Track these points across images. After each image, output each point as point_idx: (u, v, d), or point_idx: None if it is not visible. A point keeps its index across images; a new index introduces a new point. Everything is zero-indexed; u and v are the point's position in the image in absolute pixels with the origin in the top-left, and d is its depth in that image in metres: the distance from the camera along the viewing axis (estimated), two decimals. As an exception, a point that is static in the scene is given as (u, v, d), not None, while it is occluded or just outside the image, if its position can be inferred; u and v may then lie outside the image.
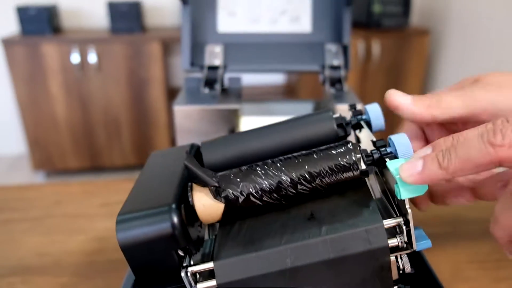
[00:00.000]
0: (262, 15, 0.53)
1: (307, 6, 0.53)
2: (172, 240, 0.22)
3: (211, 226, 0.30)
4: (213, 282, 0.23)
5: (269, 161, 0.26)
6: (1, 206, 0.55)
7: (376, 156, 0.25)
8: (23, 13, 1.73)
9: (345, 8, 0.52)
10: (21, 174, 2.02)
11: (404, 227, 0.23)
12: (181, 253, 0.23)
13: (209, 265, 0.23)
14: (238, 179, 0.25)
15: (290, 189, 0.25)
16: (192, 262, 0.24)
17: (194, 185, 0.25)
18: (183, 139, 0.46)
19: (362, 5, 1.88)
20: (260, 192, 0.25)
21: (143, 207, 0.23)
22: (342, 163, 0.25)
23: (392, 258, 0.23)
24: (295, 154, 0.26)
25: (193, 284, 0.23)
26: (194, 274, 0.23)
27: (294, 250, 0.22)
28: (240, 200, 0.25)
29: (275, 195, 0.25)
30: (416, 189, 0.22)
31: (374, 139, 0.27)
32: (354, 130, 0.32)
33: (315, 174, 0.25)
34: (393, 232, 0.23)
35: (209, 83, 0.50)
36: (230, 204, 0.25)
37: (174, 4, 2.05)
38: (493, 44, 1.63)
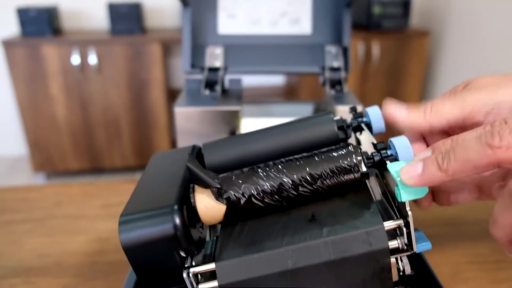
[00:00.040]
0: (262, 17, 0.53)
1: (307, 8, 0.53)
2: (174, 241, 0.22)
3: (212, 227, 0.31)
4: (214, 283, 0.23)
5: (271, 163, 0.26)
6: (2, 207, 0.55)
7: (376, 158, 0.25)
8: (23, 14, 1.73)
9: (345, 10, 0.52)
10: (21, 176, 2.02)
11: (404, 229, 0.23)
12: (183, 254, 0.23)
13: (211, 266, 0.23)
14: (240, 181, 0.25)
15: (291, 191, 0.25)
16: (194, 263, 0.24)
17: (196, 187, 0.26)
18: (184, 141, 0.46)
19: (362, 6, 1.89)
20: (261, 194, 0.25)
21: (146, 208, 0.23)
22: (343, 165, 0.25)
23: (393, 259, 0.23)
24: (296, 156, 0.26)
25: (194, 285, 0.23)
26: (195, 275, 0.23)
27: (295, 251, 0.22)
28: (242, 201, 0.25)
29: (276, 196, 0.25)
30: (417, 192, 0.22)
31: (375, 142, 0.27)
32: (355, 132, 0.32)
33: (316, 176, 0.25)
34: (393, 234, 0.24)
35: (210, 84, 0.50)
36: (232, 206, 0.25)
37: (174, 6, 2.06)
38: (492, 45, 1.63)
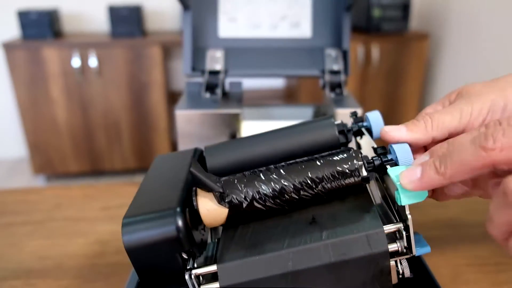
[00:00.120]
0: (262, 20, 0.54)
1: (307, 12, 0.54)
2: (176, 243, 0.23)
3: (213, 229, 0.31)
4: (216, 285, 0.23)
5: (272, 166, 0.26)
6: (2, 209, 0.55)
7: (377, 162, 0.26)
8: (24, 17, 1.73)
9: (344, 14, 0.52)
10: (21, 178, 2.02)
11: (404, 233, 0.23)
12: (185, 256, 0.23)
13: (213, 267, 0.23)
14: (242, 185, 0.25)
15: (292, 195, 0.25)
16: (195, 265, 0.24)
17: (199, 190, 0.26)
18: (185, 143, 0.46)
19: (362, 9, 1.89)
20: (263, 197, 0.25)
21: (148, 210, 0.23)
22: (344, 169, 0.25)
23: (392, 262, 0.23)
24: (297, 160, 0.26)
25: (196, 286, 0.23)
26: (197, 276, 0.24)
27: (296, 254, 0.23)
28: (244, 205, 0.25)
29: (277, 200, 0.25)
30: (416, 196, 0.23)
31: (375, 146, 0.27)
32: (355, 136, 0.32)
33: (317, 180, 0.25)
34: (393, 237, 0.24)
35: (210, 87, 0.50)
36: (234, 209, 0.25)
37: (175, 9, 2.06)
38: (492, 48, 1.63)
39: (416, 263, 0.30)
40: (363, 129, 0.31)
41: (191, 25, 0.52)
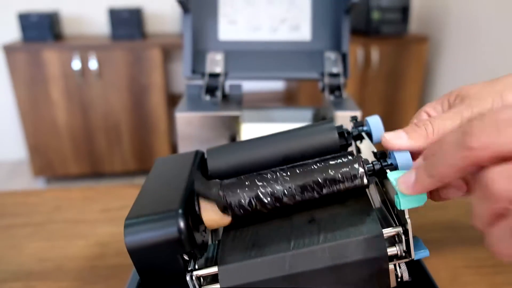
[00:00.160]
0: (262, 23, 0.54)
1: (307, 15, 0.54)
2: (178, 245, 0.23)
3: (214, 231, 0.31)
4: (216, 286, 0.23)
5: (273, 170, 0.26)
6: (2, 211, 0.56)
7: (377, 167, 0.26)
8: (24, 19, 1.74)
9: (344, 17, 0.52)
10: (21, 180, 2.02)
11: (403, 237, 0.23)
12: (186, 257, 0.24)
13: (214, 269, 0.23)
14: (245, 188, 0.25)
15: (293, 198, 0.25)
16: (196, 266, 0.24)
17: (201, 199, 0.26)
18: (185, 145, 0.47)
19: (361, 12, 1.90)
20: (265, 201, 0.25)
21: (150, 211, 0.24)
22: (344, 173, 0.25)
23: (391, 266, 0.23)
24: (298, 163, 0.27)
25: (197, 287, 0.24)
26: (198, 278, 0.24)
27: (296, 256, 0.23)
28: (246, 210, 0.25)
29: (278, 203, 0.25)
30: (416, 200, 0.23)
31: (375, 150, 0.27)
32: (355, 141, 0.32)
33: (318, 183, 0.25)
34: (392, 241, 0.24)
35: (210, 90, 0.50)
36: (237, 216, 0.25)
37: (175, 11, 2.07)
38: (491, 50, 1.64)
39: (415, 265, 0.30)
40: (363, 134, 0.31)
41: (191, 28, 0.52)
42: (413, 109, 2.02)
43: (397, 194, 0.23)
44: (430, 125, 0.27)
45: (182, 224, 0.23)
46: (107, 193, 0.60)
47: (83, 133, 1.86)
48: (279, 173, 0.26)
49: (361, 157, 0.26)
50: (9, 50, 1.70)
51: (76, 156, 1.90)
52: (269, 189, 0.25)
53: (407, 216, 0.23)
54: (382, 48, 1.89)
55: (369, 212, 0.25)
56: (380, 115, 0.31)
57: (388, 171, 0.25)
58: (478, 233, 0.46)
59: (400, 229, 0.24)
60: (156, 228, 0.23)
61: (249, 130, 0.46)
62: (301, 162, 0.27)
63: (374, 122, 0.30)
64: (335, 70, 0.52)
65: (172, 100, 1.99)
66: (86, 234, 0.50)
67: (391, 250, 0.23)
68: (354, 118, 0.32)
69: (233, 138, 0.46)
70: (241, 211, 0.25)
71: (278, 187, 0.25)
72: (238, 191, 0.25)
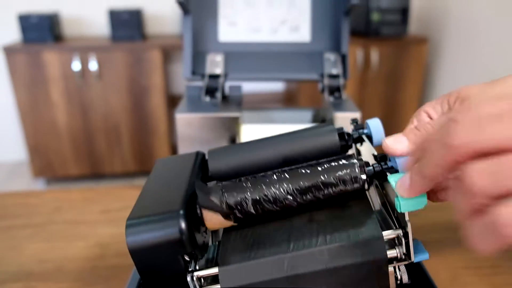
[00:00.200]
0: (262, 24, 0.54)
1: (307, 16, 0.54)
2: (179, 245, 0.23)
3: (214, 232, 0.31)
4: (217, 287, 0.23)
5: (274, 172, 0.27)
6: (2, 212, 0.56)
7: (377, 169, 0.26)
8: (24, 21, 1.74)
9: (343, 18, 0.53)
10: (21, 181, 2.02)
11: (403, 239, 0.23)
12: (187, 258, 0.24)
13: (214, 270, 0.23)
14: (248, 194, 0.25)
15: (294, 200, 0.25)
16: (197, 267, 0.24)
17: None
18: (185, 146, 0.47)
19: (361, 13, 1.90)
20: (266, 204, 0.25)
21: (152, 212, 0.24)
22: (344, 175, 0.25)
23: (390, 268, 0.23)
24: (299, 165, 0.27)
25: None
26: (199, 278, 0.24)
27: (296, 258, 0.23)
28: (248, 214, 0.25)
29: (279, 204, 0.26)
30: (416, 203, 0.23)
31: (375, 153, 0.28)
32: (355, 143, 0.33)
33: (318, 185, 0.25)
34: (392, 243, 0.24)
35: (210, 91, 0.50)
36: (239, 219, 0.26)
37: (175, 12, 2.07)
38: (490, 52, 1.64)
39: (415, 266, 0.30)
40: (364, 136, 0.31)
41: (191, 29, 0.52)
42: (412, 110, 2.02)
43: (397, 196, 0.23)
44: (430, 128, 0.26)
45: (183, 225, 0.23)
46: (107, 194, 0.60)
47: (83, 134, 1.87)
48: (279, 175, 0.26)
49: (361, 159, 0.26)
50: (9, 51, 1.70)
51: (76, 157, 1.90)
52: (270, 192, 0.25)
53: (407, 218, 0.23)
54: (382, 49, 1.89)
55: (369, 215, 0.25)
56: (380, 116, 0.31)
57: (388, 174, 0.25)
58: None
59: (400, 231, 0.24)
60: (157, 229, 0.23)
61: (249, 131, 0.46)
62: (301, 164, 0.27)
63: (375, 125, 0.30)
64: (334, 71, 0.52)
65: (172, 101, 1.99)
66: (86, 235, 0.50)
67: (391, 253, 0.23)
68: (354, 121, 0.32)
69: (233, 139, 0.46)
70: (243, 215, 0.25)
71: (278, 190, 0.25)
72: (239, 197, 0.25)
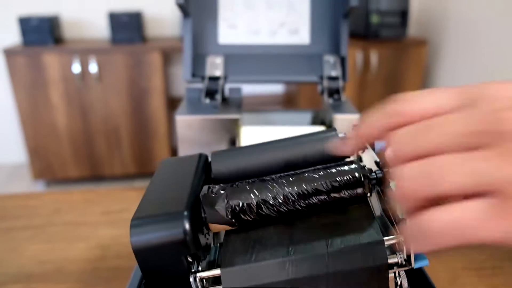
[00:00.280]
0: (261, 27, 0.54)
1: (306, 19, 0.55)
2: (183, 246, 0.23)
3: (215, 234, 0.31)
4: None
5: (277, 176, 0.27)
6: (2, 214, 0.56)
7: (379, 175, 0.26)
8: (25, 23, 1.74)
9: (342, 20, 0.53)
10: (21, 183, 2.02)
11: (404, 245, 0.23)
12: (190, 259, 0.24)
13: (217, 271, 0.24)
14: (252, 197, 0.26)
15: (296, 204, 0.26)
16: (200, 268, 0.25)
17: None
18: (185, 149, 0.47)
19: (360, 16, 1.91)
20: (269, 208, 0.26)
21: (156, 212, 0.24)
22: (346, 181, 0.26)
23: (391, 274, 0.24)
24: (302, 170, 0.27)
25: None
26: (201, 279, 0.24)
27: (296, 262, 0.23)
28: (252, 218, 0.26)
29: (282, 209, 0.26)
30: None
31: (377, 159, 0.28)
32: None
33: (320, 190, 0.26)
34: (392, 249, 0.24)
35: (210, 93, 0.51)
36: (242, 222, 0.26)
37: (175, 15, 2.08)
38: (489, 54, 1.65)
39: (415, 270, 0.30)
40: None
41: (191, 31, 0.52)
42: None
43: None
44: None
45: (187, 226, 0.23)
46: (108, 196, 0.60)
47: (83, 136, 1.87)
48: (282, 179, 0.26)
49: (364, 165, 0.26)
50: (10, 53, 1.70)
51: (76, 160, 1.90)
52: (273, 197, 0.26)
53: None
54: (381, 51, 1.89)
55: (370, 220, 0.25)
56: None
57: (391, 180, 0.25)
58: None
59: (401, 237, 0.24)
60: (161, 229, 0.23)
61: (249, 133, 0.46)
62: (304, 169, 0.27)
63: None
64: (334, 73, 0.52)
65: (172, 104, 2.00)
66: (86, 236, 0.50)
67: (392, 258, 0.23)
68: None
69: (233, 141, 0.46)
70: (247, 219, 0.26)
71: (282, 194, 0.26)
72: (244, 202, 0.26)
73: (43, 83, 1.76)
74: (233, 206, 0.25)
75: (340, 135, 0.30)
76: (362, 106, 1.96)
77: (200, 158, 0.31)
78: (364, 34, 1.91)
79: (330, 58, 0.53)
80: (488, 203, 0.16)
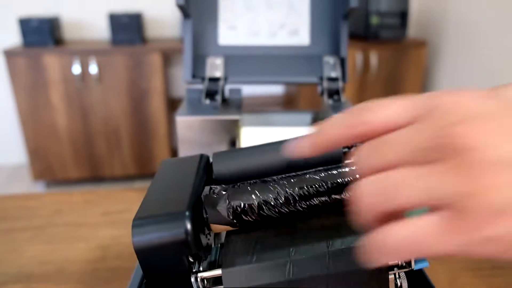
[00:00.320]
0: (261, 28, 0.55)
1: (306, 20, 0.55)
2: (184, 246, 0.23)
3: (216, 234, 0.31)
4: None
5: (278, 177, 0.27)
6: (2, 215, 0.56)
7: None
8: (25, 24, 1.75)
9: (342, 22, 0.53)
10: (21, 184, 2.02)
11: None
12: (191, 259, 0.24)
13: (218, 271, 0.24)
14: (254, 199, 0.26)
15: (297, 205, 0.26)
16: (201, 268, 0.25)
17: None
18: (185, 149, 0.47)
19: (360, 17, 1.91)
20: (271, 209, 0.26)
21: (158, 212, 0.24)
22: (347, 182, 0.26)
23: (391, 276, 0.24)
24: (303, 171, 0.27)
25: None
26: (202, 280, 0.24)
27: (297, 263, 0.23)
28: (254, 219, 0.26)
29: (284, 210, 0.26)
30: (419, 210, 0.23)
31: None
32: None
33: (321, 191, 0.26)
34: None
35: (210, 94, 0.51)
36: (244, 223, 0.26)
37: (175, 16, 2.08)
38: (489, 55, 1.65)
39: (415, 271, 0.31)
40: None
41: (192, 32, 0.53)
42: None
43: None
44: None
45: (189, 226, 0.23)
46: (108, 197, 0.60)
47: (83, 137, 1.87)
48: (283, 180, 0.26)
49: None
50: (10, 54, 1.71)
51: (76, 161, 1.90)
52: (275, 198, 0.26)
53: None
54: (381, 52, 1.90)
55: None
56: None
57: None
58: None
59: None
60: (163, 229, 0.23)
61: (249, 134, 0.46)
62: (305, 171, 0.27)
63: None
64: (333, 74, 0.52)
65: (172, 105, 2.00)
66: (87, 237, 0.50)
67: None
68: None
69: (233, 141, 0.46)
70: (248, 220, 0.26)
71: (283, 196, 0.26)
72: (246, 203, 0.26)
73: (43, 84, 1.76)
74: (235, 207, 0.25)
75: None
76: (362, 107, 1.96)
77: (201, 159, 0.31)
78: (364, 35, 1.91)
79: (330, 59, 0.54)
80: (441, 217, 0.16)
